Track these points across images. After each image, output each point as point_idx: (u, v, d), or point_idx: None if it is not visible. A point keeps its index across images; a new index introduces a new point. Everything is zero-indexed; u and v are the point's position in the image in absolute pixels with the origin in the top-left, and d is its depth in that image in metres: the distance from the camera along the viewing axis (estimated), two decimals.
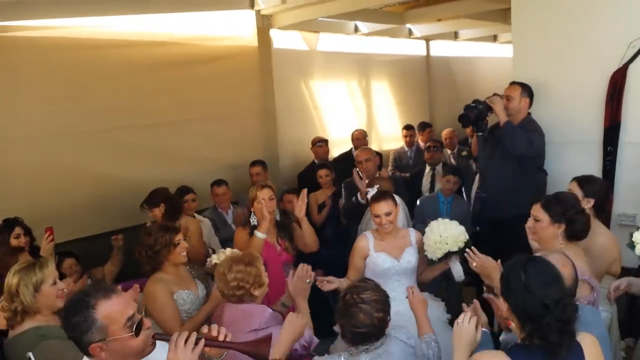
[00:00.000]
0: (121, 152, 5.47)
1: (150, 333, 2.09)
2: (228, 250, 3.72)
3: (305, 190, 4.14)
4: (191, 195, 5.11)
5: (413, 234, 3.84)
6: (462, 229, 3.65)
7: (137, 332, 2.03)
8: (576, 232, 2.93)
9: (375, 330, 2.47)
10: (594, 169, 4.46)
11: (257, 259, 3.09)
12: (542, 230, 2.98)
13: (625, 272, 3.32)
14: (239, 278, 2.92)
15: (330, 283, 3.47)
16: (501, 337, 2.63)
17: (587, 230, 2.96)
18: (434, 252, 3.62)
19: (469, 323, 2.30)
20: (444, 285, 4.50)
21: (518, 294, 2.01)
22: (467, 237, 3.65)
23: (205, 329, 2.12)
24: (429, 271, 3.90)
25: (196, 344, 2.00)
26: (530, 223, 3.08)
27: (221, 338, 2.09)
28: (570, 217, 2.92)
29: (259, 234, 3.96)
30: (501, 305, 2.15)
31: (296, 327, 2.65)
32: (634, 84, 4.32)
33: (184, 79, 5.92)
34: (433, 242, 3.61)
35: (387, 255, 3.70)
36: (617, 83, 4.37)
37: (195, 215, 5.13)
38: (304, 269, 3.09)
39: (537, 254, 2.66)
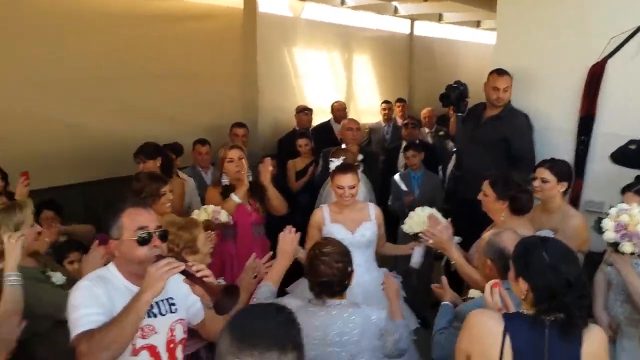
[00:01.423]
0: (98, 103, 5.37)
1: (156, 252, 2.22)
2: (210, 207, 3.75)
3: (268, 159, 4.20)
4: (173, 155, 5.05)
5: (372, 208, 3.85)
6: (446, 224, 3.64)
7: (141, 243, 2.21)
8: (519, 207, 3.26)
9: (336, 279, 2.63)
10: (566, 156, 4.61)
11: (194, 226, 3.11)
12: (489, 204, 3.36)
13: (595, 255, 3.48)
14: (169, 240, 2.74)
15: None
16: (457, 308, 2.78)
17: (530, 206, 3.32)
18: (412, 226, 3.67)
19: None
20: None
21: (542, 273, 2.02)
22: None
23: (190, 263, 2.22)
24: (391, 248, 3.98)
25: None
26: (480, 196, 3.44)
27: (197, 272, 2.16)
28: (513, 195, 3.25)
29: (235, 198, 4.01)
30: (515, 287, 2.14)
31: (288, 248, 2.85)
32: (612, 78, 4.45)
33: (166, 34, 5.84)
34: (418, 218, 3.67)
35: (342, 227, 3.70)
36: (595, 75, 4.50)
37: (179, 173, 5.10)
38: (254, 263, 2.96)
39: (491, 232, 2.96)
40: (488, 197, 3.36)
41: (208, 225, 3.60)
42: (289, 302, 2.68)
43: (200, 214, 3.72)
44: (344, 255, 2.68)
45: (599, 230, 2.90)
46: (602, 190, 4.34)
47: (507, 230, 2.77)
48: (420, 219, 3.65)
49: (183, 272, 2.13)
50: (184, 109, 6.11)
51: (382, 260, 4.11)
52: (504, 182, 3.31)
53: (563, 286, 1.99)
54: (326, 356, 2.62)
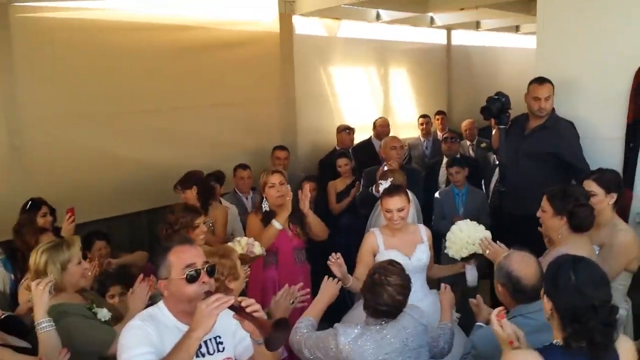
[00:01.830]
0: (142, 135, 5.54)
1: (205, 288, 2.22)
2: (244, 239, 3.75)
3: (307, 185, 4.19)
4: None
5: (423, 230, 3.79)
6: (488, 233, 3.57)
7: (189, 280, 2.20)
8: (578, 223, 3.08)
9: (394, 310, 2.71)
10: (615, 165, 4.44)
11: (232, 252, 3.12)
12: (547, 221, 3.19)
13: None
14: None
15: (339, 267, 3.39)
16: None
17: (590, 223, 3.10)
18: (459, 250, 3.57)
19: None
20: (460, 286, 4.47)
21: (567, 294, 1.99)
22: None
23: (240, 298, 2.22)
24: (439, 270, 3.90)
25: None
26: (539, 212, 3.26)
27: (247, 308, 2.13)
28: (571, 209, 3.07)
29: (277, 224, 4.00)
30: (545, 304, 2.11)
31: (331, 290, 3.03)
32: None
33: (205, 63, 5.95)
34: (460, 240, 3.55)
35: (399, 252, 3.63)
36: None
37: (222, 200, 5.14)
38: (290, 290, 3.06)
39: (504, 255, 2.73)
40: (546, 213, 3.20)
41: (242, 259, 3.56)
42: (344, 330, 2.72)
43: (235, 247, 3.65)
44: (406, 288, 2.74)
45: None
46: None
47: (517, 253, 2.64)
48: (462, 241, 3.54)
49: (232, 308, 2.11)
50: (225, 135, 6.21)
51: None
52: (562, 196, 3.13)
53: (587, 310, 1.94)
54: None
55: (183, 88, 5.77)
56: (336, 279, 3.14)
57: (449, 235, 3.66)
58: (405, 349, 2.74)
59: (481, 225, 3.64)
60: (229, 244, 3.80)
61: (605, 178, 3.46)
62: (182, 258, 2.24)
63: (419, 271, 3.63)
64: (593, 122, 4.54)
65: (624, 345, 2.08)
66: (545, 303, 2.06)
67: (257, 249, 3.75)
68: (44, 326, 2.64)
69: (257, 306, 2.14)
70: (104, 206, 5.16)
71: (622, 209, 4.21)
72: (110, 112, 5.27)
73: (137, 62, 5.44)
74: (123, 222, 5.26)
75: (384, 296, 2.65)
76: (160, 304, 2.32)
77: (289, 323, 2.19)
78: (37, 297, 2.68)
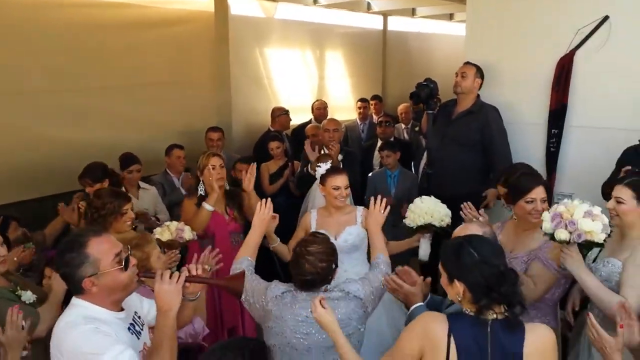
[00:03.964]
0: (68, 114, 5.29)
1: (136, 270, 2.25)
2: (173, 224, 3.68)
3: (254, 164, 4.14)
4: (136, 166, 4.95)
5: (360, 212, 3.84)
6: (449, 212, 3.65)
7: (126, 266, 2.18)
8: None
9: (319, 278, 2.70)
10: (539, 150, 4.65)
11: (147, 243, 3.07)
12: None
13: None
14: None
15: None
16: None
17: None
18: (414, 219, 3.65)
19: None
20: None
21: (475, 269, 2.06)
22: (450, 221, 3.64)
23: (185, 269, 2.31)
24: (397, 246, 3.93)
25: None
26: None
27: (199, 272, 2.36)
28: None
29: (207, 207, 3.96)
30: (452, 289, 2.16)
31: (262, 218, 3.12)
32: (580, 70, 4.47)
33: (136, 41, 5.76)
34: (419, 209, 3.63)
35: (326, 232, 3.58)
36: (564, 68, 4.52)
37: (140, 183, 5.00)
38: (203, 259, 2.94)
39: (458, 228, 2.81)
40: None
41: (171, 244, 3.55)
42: (276, 285, 2.78)
43: (164, 233, 3.60)
44: (329, 254, 2.73)
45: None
46: (573, 182, 4.38)
47: (473, 223, 2.71)
48: (421, 211, 3.63)
49: (187, 279, 2.25)
50: (157, 115, 6.04)
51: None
52: None
53: (497, 277, 2.04)
54: (313, 342, 2.66)
55: (112, 67, 5.55)
56: (265, 204, 3.16)
57: (410, 206, 3.74)
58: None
59: (443, 204, 3.72)
60: (158, 229, 3.73)
61: None
62: (108, 248, 2.17)
63: (346, 252, 3.66)
64: (517, 108, 4.73)
65: (539, 329, 2.15)
66: (456, 287, 2.10)
67: (187, 234, 3.68)
68: None
69: (200, 266, 2.38)
70: (22, 188, 4.92)
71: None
72: (32, 90, 5.00)
73: (62, 39, 5.17)
74: (46, 204, 5.01)
75: (306, 266, 2.67)
76: (81, 302, 2.18)
77: (243, 273, 2.63)
78: None
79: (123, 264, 2.17)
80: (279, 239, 3.69)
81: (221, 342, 2.55)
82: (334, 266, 2.76)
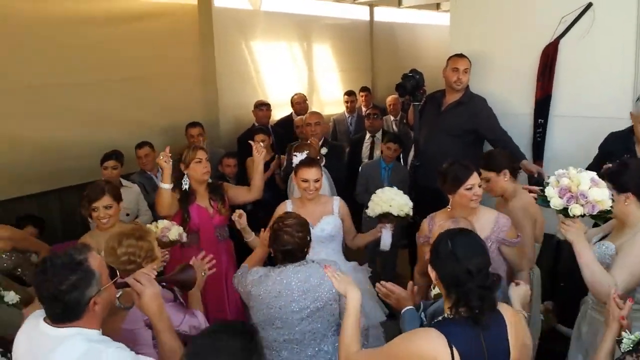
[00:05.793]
0: (47, 111, 5.16)
1: (120, 281, 2.17)
2: (161, 223, 3.63)
3: (260, 136, 4.19)
4: (111, 162, 4.87)
5: (337, 203, 3.85)
6: (409, 202, 3.72)
7: (118, 283, 2.14)
8: None
9: (298, 247, 2.90)
10: (525, 140, 4.64)
11: (148, 234, 3.01)
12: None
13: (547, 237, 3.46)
14: (130, 252, 2.75)
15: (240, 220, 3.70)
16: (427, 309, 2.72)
17: None
18: (374, 207, 3.70)
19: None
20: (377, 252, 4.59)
21: (446, 261, 2.15)
22: (411, 210, 3.71)
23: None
24: (360, 238, 3.97)
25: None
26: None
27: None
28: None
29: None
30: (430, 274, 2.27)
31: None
32: (565, 58, 4.46)
33: (116, 35, 5.64)
34: (379, 199, 3.68)
35: None
36: (549, 57, 4.51)
37: (122, 181, 4.92)
38: (197, 263, 2.94)
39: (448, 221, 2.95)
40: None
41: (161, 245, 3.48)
42: (257, 270, 2.97)
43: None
44: (303, 225, 2.95)
45: (546, 203, 2.71)
46: None
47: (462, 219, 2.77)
48: (380, 200, 3.65)
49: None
50: (141, 112, 5.93)
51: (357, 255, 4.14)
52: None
53: (464, 274, 2.09)
54: (288, 314, 2.83)
55: (91, 62, 5.43)
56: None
57: (372, 196, 3.78)
58: (303, 288, 2.83)
59: (405, 195, 3.77)
60: (148, 226, 3.68)
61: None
62: (102, 262, 2.04)
63: (323, 241, 3.70)
64: (504, 98, 4.71)
65: (507, 311, 2.23)
66: (430, 272, 2.24)
67: (173, 234, 3.60)
68: None
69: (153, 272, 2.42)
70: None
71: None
72: (4, 86, 4.87)
73: (39, 34, 5.05)
74: (14, 206, 4.90)
75: (285, 237, 2.86)
76: (78, 331, 1.94)
77: (189, 264, 2.70)
78: None
79: (117, 279, 2.08)
80: (254, 234, 3.72)
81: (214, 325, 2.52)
82: (308, 238, 2.96)
